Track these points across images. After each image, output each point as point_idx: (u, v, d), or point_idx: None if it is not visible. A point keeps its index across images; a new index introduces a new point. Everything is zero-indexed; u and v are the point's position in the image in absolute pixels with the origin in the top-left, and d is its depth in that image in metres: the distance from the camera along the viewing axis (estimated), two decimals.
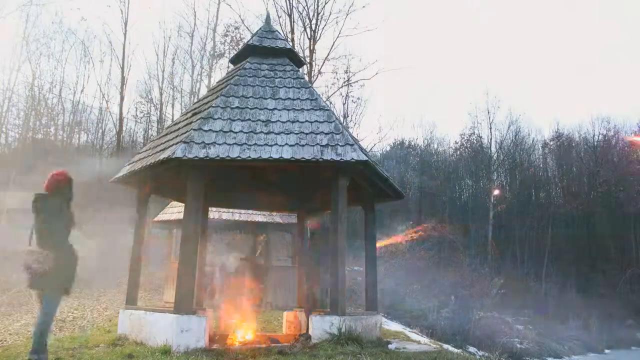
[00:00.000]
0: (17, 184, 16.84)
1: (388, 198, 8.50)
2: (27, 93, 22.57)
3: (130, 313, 7.02)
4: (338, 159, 6.19)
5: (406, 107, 55.15)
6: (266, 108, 6.88)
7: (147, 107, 27.49)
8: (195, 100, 13.85)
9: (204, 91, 24.12)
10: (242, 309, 7.77)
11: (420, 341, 11.37)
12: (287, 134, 6.45)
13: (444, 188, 37.58)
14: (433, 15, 66.08)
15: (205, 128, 6.36)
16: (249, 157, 6.06)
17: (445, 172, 38.97)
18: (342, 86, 20.93)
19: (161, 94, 26.75)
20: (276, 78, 7.55)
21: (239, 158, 6.05)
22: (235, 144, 6.20)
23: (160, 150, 6.66)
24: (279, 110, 6.88)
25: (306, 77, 15.09)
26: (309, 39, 18.63)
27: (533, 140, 40.33)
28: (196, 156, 5.98)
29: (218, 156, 6.03)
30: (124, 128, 25.71)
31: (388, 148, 38.19)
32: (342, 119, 22.14)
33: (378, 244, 7.96)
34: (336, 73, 20.42)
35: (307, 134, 6.48)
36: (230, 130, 6.40)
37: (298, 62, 8.68)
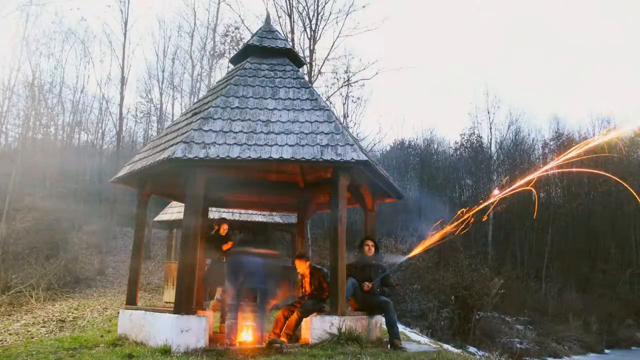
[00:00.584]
0: (17, 184, 16.87)
1: (388, 198, 8.51)
2: (27, 93, 22.59)
3: (130, 313, 7.02)
4: (338, 159, 6.19)
5: (406, 107, 55.22)
6: (266, 108, 6.88)
7: (147, 107, 27.56)
8: (195, 100, 13.85)
9: (204, 91, 24.15)
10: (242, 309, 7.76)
11: (420, 341, 11.37)
12: (287, 134, 6.45)
13: (444, 188, 37.58)
14: (433, 15, 66.12)
15: (205, 128, 6.36)
16: (249, 157, 6.07)
17: (445, 172, 38.97)
18: (342, 86, 20.93)
19: (161, 94, 26.81)
20: (276, 78, 7.56)
21: (239, 158, 6.05)
22: (235, 144, 6.21)
23: (160, 150, 6.67)
24: (279, 110, 6.88)
25: (306, 77, 15.10)
26: (309, 39, 18.63)
27: (533, 140, 40.40)
28: (196, 156, 5.99)
29: (218, 156, 6.03)
30: (124, 128, 25.76)
31: (388, 148, 38.24)
32: (342, 119, 22.15)
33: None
34: (336, 73, 20.43)
35: (307, 134, 6.48)
36: (230, 130, 6.41)
37: (298, 62, 8.69)
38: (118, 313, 7.94)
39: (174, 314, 5.90)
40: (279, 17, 18.44)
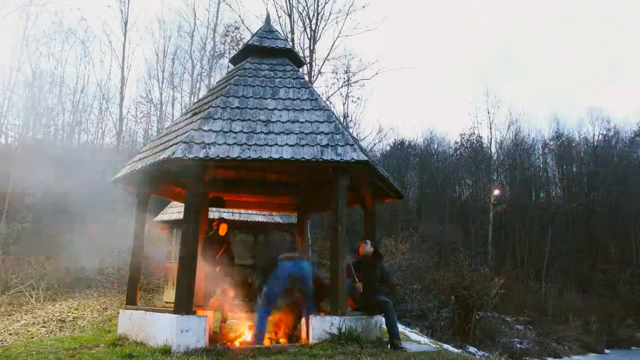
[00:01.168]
0: (17, 184, 16.87)
1: (388, 198, 8.51)
2: (27, 93, 22.59)
3: (130, 313, 7.02)
4: (338, 159, 6.20)
5: (406, 107, 55.21)
6: (266, 108, 6.88)
7: (147, 107, 27.55)
8: (195, 100, 13.85)
9: (204, 91, 24.14)
10: (242, 309, 7.77)
11: (420, 341, 11.36)
12: (287, 134, 6.45)
13: (444, 188, 37.59)
14: (433, 15, 66.12)
15: (205, 128, 6.36)
16: (249, 157, 6.07)
17: (445, 172, 38.98)
18: (342, 86, 20.94)
19: (161, 94, 26.80)
20: (276, 78, 7.56)
21: (239, 158, 6.05)
22: (235, 144, 6.21)
23: (160, 150, 6.67)
24: (279, 110, 6.88)
25: (306, 77, 15.09)
26: (309, 39, 18.63)
27: (533, 140, 40.43)
28: (196, 156, 5.98)
29: (218, 156, 6.03)
30: (124, 128, 25.74)
31: (388, 148, 38.24)
32: (342, 119, 22.15)
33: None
34: (336, 73, 20.43)
35: (307, 134, 6.49)
36: (230, 131, 6.41)
37: (298, 62, 8.69)
38: (118, 313, 7.93)
39: (174, 314, 5.89)
40: (279, 17, 18.47)
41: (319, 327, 6.04)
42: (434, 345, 10.22)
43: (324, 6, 18.66)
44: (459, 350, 12.06)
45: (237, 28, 21.15)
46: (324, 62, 18.97)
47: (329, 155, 6.21)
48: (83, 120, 27.15)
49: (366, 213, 8.08)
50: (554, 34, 69.67)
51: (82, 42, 26.13)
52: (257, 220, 13.44)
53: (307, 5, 18.51)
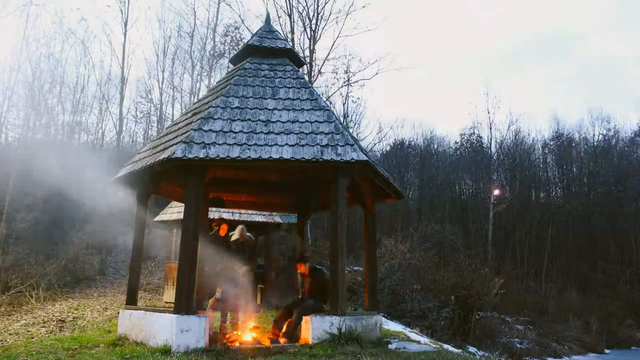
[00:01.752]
0: (17, 184, 16.86)
1: (388, 198, 8.50)
2: (27, 93, 22.58)
3: (130, 313, 7.02)
4: (338, 159, 6.20)
5: (406, 106, 55.21)
6: (266, 108, 6.88)
7: (147, 107, 27.58)
8: (195, 100, 13.85)
9: (204, 91, 24.16)
10: (242, 309, 7.76)
11: (420, 341, 11.34)
12: (287, 134, 6.45)
13: (444, 188, 37.58)
14: (433, 15, 66.09)
15: (205, 128, 6.36)
16: (249, 157, 6.07)
17: (445, 172, 38.97)
18: (342, 86, 20.93)
19: (161, 94, 26.83)
20: (276, 78, 7.56)
21: (239, 158, 6.05)
22: (235, 144, 6.21)
23: (160, 150, 6.67)
24: (279, 110, 6.88)
25: (306, 77, 15.09)
26: (309, 39, 18.61)
27: (533, 140, 40.42)
28: (196, 156, 5.98)
29: (218, 156, 6.03)
30: (124, 128, 25.75)
31: (388, 148, 38.22)
32: (342, 119, 22.16)
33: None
34: (336, 73, 20.41)
35: (307, 134, 6.48)
36: (230, 131, 6.41)
37: (298, 62, 8.68)
38: (118, 313, 7.93)
39: (174, 314, 5.89)
40: (279, 17, 18.45)
41: (319, 327, 6.04)
42: (434, 345, 10.20)
43: (324, 6, 18.66)
44: (459, 350, 12.04)
45: (237, 28, 21.18)
46: (324, 62, 18.97)
47: (329, 155, 6.21)
48: (83, 120, 27.15)
49: (366, 213, 8.08)
50: (553, 34, 69.70)
51: (82, 42, 26.17)
52: (257, 220, 13.45)
53: (307, 5, 18.51)
